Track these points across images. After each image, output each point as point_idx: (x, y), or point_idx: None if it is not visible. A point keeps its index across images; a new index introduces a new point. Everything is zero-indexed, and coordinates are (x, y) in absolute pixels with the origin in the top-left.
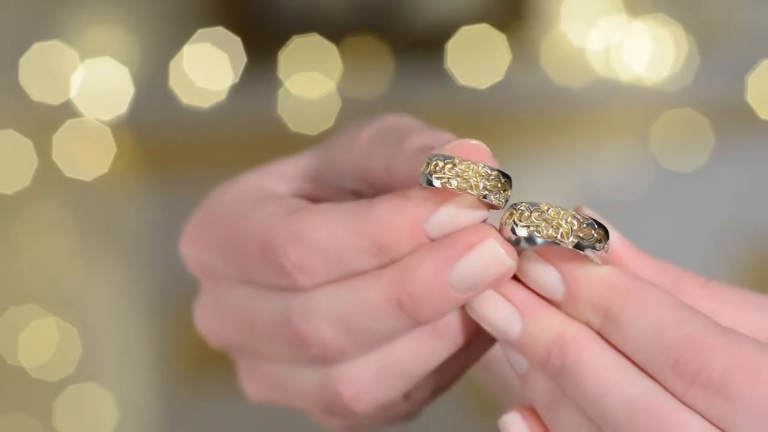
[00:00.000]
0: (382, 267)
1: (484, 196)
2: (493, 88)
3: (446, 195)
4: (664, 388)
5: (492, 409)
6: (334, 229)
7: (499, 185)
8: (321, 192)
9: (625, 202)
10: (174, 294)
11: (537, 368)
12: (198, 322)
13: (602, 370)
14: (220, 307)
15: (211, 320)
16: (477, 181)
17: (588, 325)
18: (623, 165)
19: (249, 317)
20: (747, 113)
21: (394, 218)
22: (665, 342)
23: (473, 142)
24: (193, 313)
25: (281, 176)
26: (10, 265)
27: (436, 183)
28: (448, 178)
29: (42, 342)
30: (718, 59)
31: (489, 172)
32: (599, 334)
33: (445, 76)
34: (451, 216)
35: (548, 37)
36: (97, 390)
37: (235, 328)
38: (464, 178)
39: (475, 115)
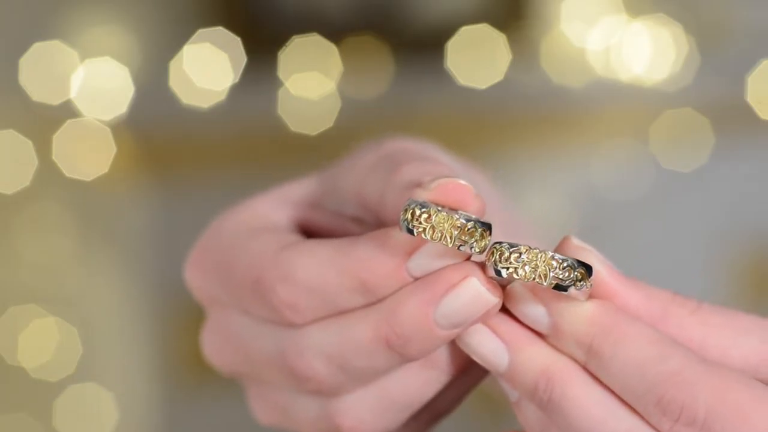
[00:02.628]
0: (369, 305)
1: (460, 247)
2: (493, 88)
3: (426, 240)
4: (650, 424)
5: (499, 414)
6: (321, 268)
7: (476, 235)
8: (322, 218)
9: (625, 202)
10: (174, 294)
11: (526, 398)
12: (204, 348)
13: (588, 405)
14: (224, 335)
15: (216, 346)
16: (451, 232)
17: (574, 358)
18: (623, 165)
19: (248, 346)
20: (747, 113)
21: (377, 258)
22: (648, 380)
23: (459, 182)
24: (192, 313)
25: (283, 202)
26: (10, 265)
27: (413, 231)
28: (424, 228)
29: (42, 342)
30: (718, 59)
31: (465, 222)
32: (585, 368)
33: (445, 76)
34: (431, 256)
35: (548, 37)
36: (97, 390)
37: (238, 355)
38: (439, 230)
39: (475, 115)
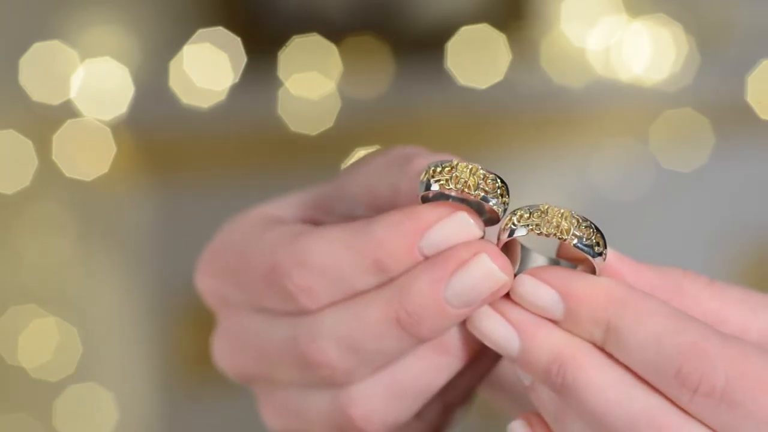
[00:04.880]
0: (382, 285)
1: (483, 198)
2: (493, 88)
3: (441, 211)
4: (668, 399)
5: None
6: (335, 249)
7: (497, 188)
8: (331, 221)
9: (625, 202)
10: (174, 294)
11: (540, 382)
12: (215, 355)
13: (602, 387)
14: (236, 337)
15: (228, 351)
16: (475, 182)
17: (591, 340)
18: (623, 165)
19: (261, 344)
20: (747, 113)
21: (390, 236)
22: (667, 352)
23: (475, 166)
24: (192, 313)
25: (291, 205)
26: (10, 265)
27: (435, 186)
28: (446, 179)
29: (42, 342)
30: (718, 59)
31: (487, 174)
32: (602, 348)
33: (445, 76)
34: (444, 233)
35: (548, 37)
36: (97, 390)
37: (250, 356)
38: (462, 179)
39: (475, 115)
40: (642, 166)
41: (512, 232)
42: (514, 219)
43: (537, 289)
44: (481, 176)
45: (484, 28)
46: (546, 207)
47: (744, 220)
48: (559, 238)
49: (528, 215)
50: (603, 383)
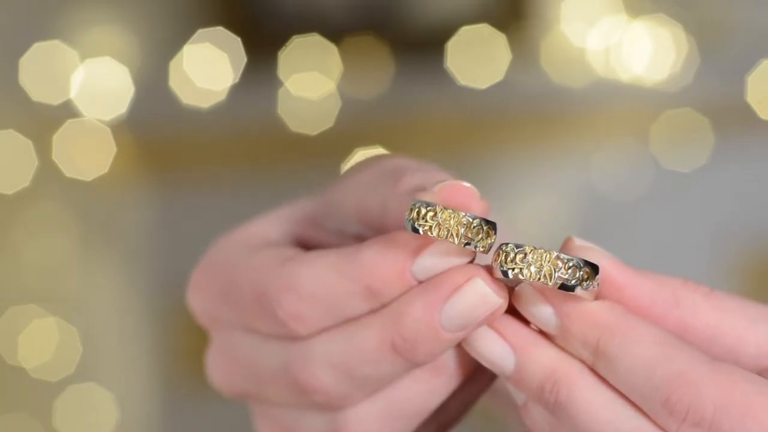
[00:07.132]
0: (374, 311)
1: (466, 244)
2: (493, 88)
3: (431, 238)
4: (657, 425)
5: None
6: (325, 276)
7: (481, 233)
8: (322, 237)
9: (625, 202)
10: (174, 294)
11: (533, 401)
12: (209, 372)
13: (594, 407)
14: (228, 356)
15: (220, 369)
16: (458, 230)
17: (581, 359)
18: (623, 165)
19: (253, 365)
20: (747, 113)
21: (382, 262)
22: (655, 380)
23: (463, 184)
24: (191, 313)
25: (281, 221)
26: (10, 265)
27: (419, 230)
28: (430, 227)
29: (42, 342)
30: (718, 59)
31: (470, 220)
32: (593, 369)
33: (445, 76)
34: (436, 259)
35: (548, 37)
36: (97, 390)
37: (242, 375)
38: (445, 227)
39: (475, 115)
40: (642, 166)
41: (503, 272)
42: (501, 258)
43: (535, 300)
44: (465, 223)
45: (484, 28)
46: (530, 249)
47: (744, 220)
48: (543, 285)
49: (513, 255)
50: (595, 402)
